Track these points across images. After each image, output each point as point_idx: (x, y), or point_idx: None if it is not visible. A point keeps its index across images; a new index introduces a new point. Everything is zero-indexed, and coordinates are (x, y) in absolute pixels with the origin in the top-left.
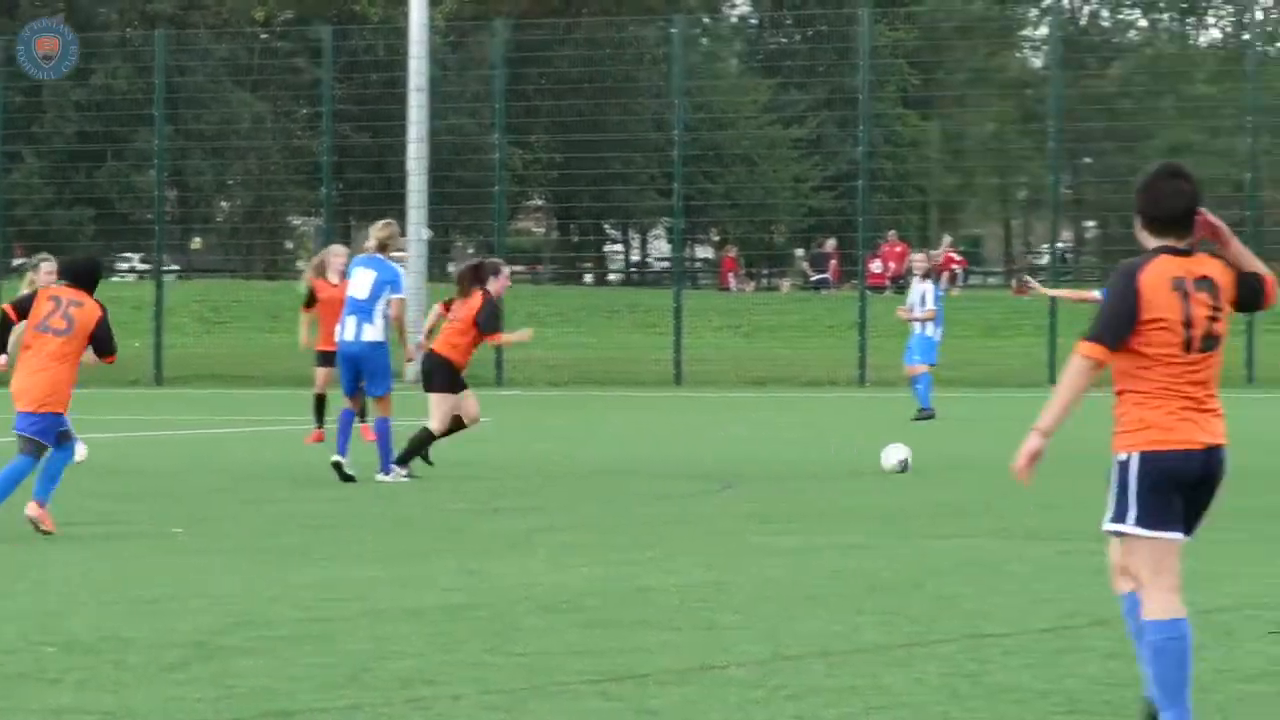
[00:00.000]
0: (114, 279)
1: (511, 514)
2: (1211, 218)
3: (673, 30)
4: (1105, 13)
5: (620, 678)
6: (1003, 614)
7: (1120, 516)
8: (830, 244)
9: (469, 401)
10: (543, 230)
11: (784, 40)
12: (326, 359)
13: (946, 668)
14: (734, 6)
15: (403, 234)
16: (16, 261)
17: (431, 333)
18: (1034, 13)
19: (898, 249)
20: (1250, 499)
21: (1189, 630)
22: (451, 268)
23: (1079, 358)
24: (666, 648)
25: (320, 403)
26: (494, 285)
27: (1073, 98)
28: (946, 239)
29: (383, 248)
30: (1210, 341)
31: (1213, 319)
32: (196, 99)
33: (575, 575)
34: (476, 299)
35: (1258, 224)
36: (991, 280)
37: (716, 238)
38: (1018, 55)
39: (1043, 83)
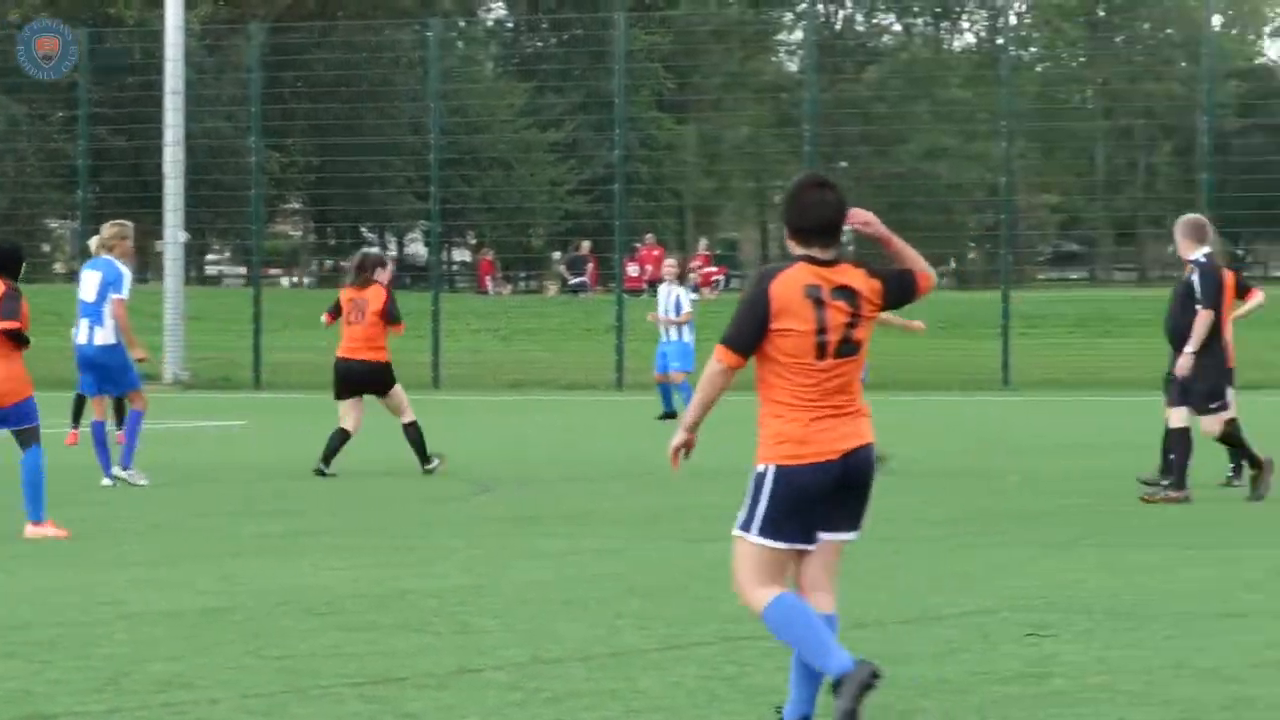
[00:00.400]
0: None
1: (270, 517)
2: (872, 221)
3: (428, 34)
4: (860, 17)
5: (380, 680)
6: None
7: (747, 525)
8: (586, 247)
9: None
10: (300, 233)
11: (540, 44)
12: None
13: (705, 670)
14: (489, 10)
15: (160, 237)
16: None
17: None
18: (789, 17)
19: (655, 252)
20: (1005, 502)
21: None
22: (212, 270)
23: (714, 361)
24: (426, 651)
25: (79, 404)
26: (383, 276)
27: (828, 102)
28: (702, 243)
29: (108, 249)
30: (847, 348)
31: (850, 326)
32: None
33: (335, 578)
34: (378, 294)
35: (1012, 227)
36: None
37: (473, 241)
38: (773, 59)
39: (798, 87)
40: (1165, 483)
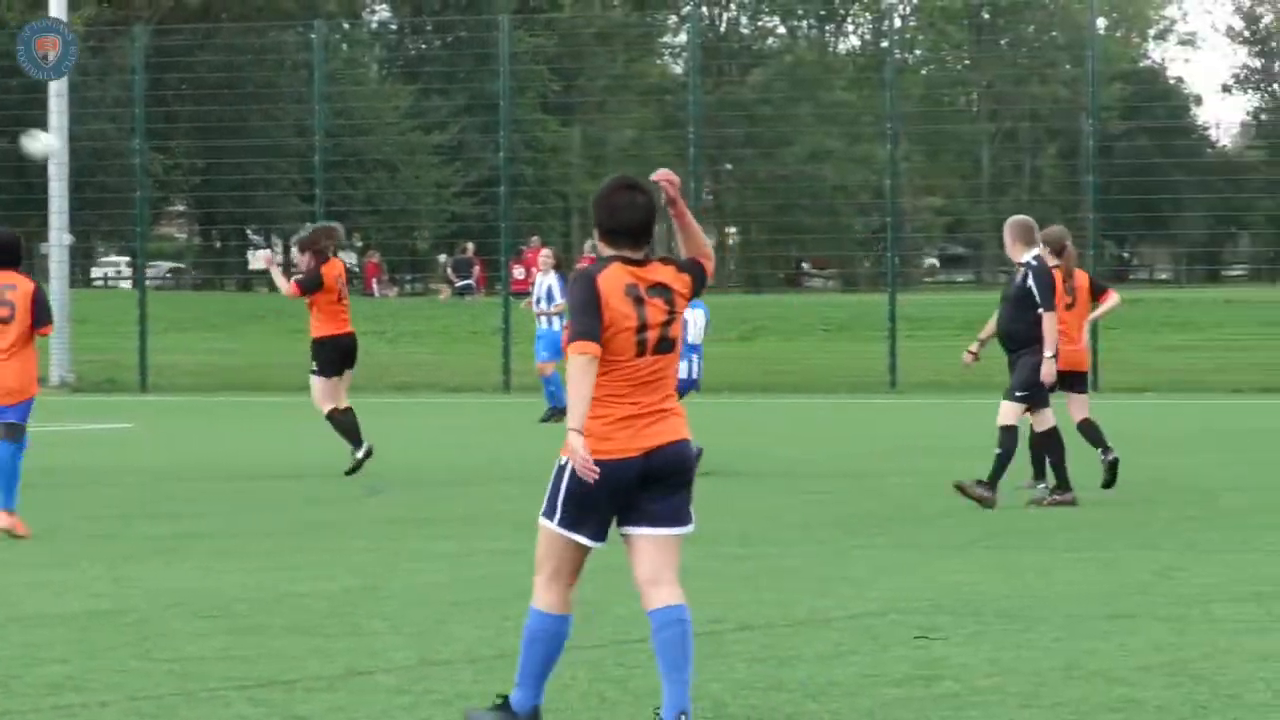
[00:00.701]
0: None
1: (159, 519)
2: (675, 183)
3: (313, 36)
4: (744, 19)
5: (269, 683)
6: (647, 619)
7: (549, 514)
8: (471, 249)
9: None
10: (185, 236)
11: (424, 46)
12: None
13: (594, 673)
14: (374, 12)
15: (45, 239)
16: None
17: None
18: (673, 20)
19: (540, 254)
20: (893, 504)
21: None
22: (98, 272)
23: (578, 358)
24: (316, 653)
25: None
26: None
27: (712, 104)
28: (588, 244)
29: None
30: (665, 345)
31: (667, 323)
32: None
33: (225, 581)
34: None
35: (897, 230)
36: None
37: (359, 243)
38: (658, 62)
39: (682, 89)
40: (1043, 485)
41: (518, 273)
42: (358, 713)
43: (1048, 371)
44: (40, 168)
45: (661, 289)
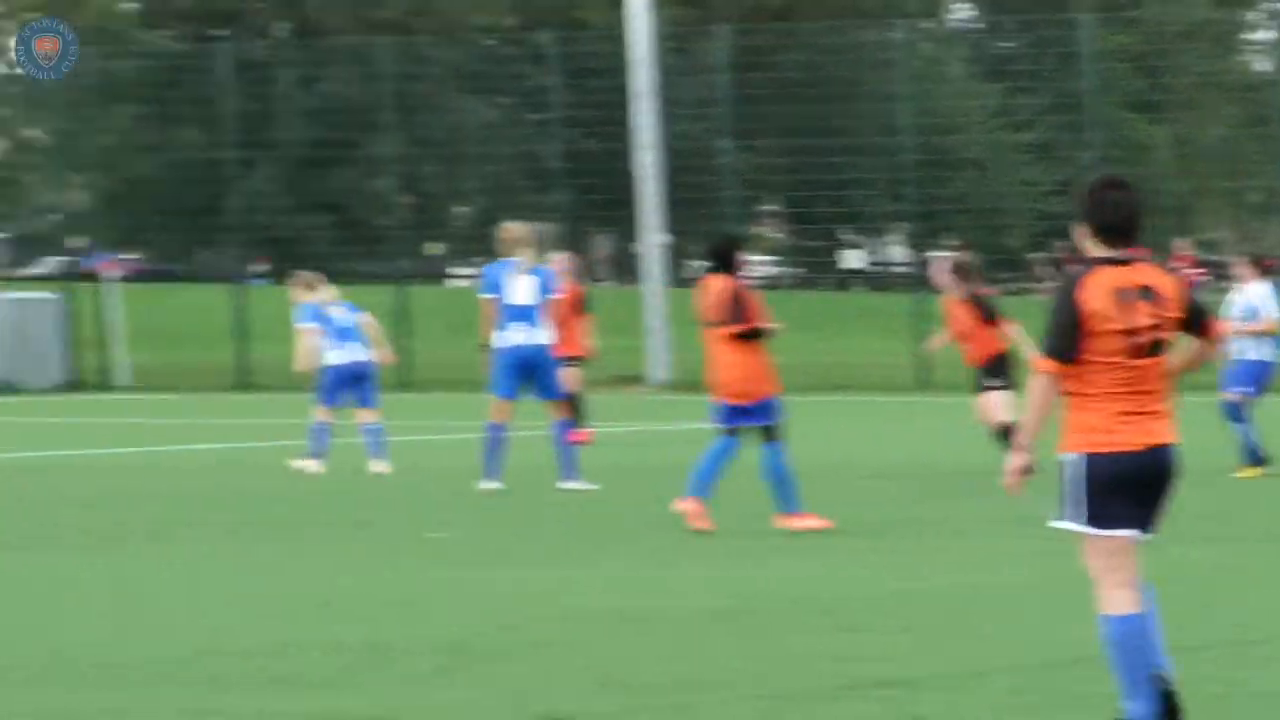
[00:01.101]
0: (356, 284)
1: (768, 518)
2: None
3: (894, 35)
4: None
5: (886, 684)
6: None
7: (1074, 516)
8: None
9: None
10: (781, 235)
11: (1008, 45)
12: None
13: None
14: (951, 11)
15: (634, 239)
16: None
17: None
18: (1259, 15)
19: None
20: None
21: (1148, 624)
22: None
23: (1038, 375)
24: (930, 652)
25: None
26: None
27: None
28: (1182, 243)
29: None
30: (1156, 347)
31: (1156, 326)
32: (425, 105)
33: (838, 578)
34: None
35: None
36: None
37: (955, 242)
38: (1240, 59)
39: (1270, 86)
40: None
41: None
42: (971, 712)
43: None
44: (624, 168)
45: (1148, 292)
